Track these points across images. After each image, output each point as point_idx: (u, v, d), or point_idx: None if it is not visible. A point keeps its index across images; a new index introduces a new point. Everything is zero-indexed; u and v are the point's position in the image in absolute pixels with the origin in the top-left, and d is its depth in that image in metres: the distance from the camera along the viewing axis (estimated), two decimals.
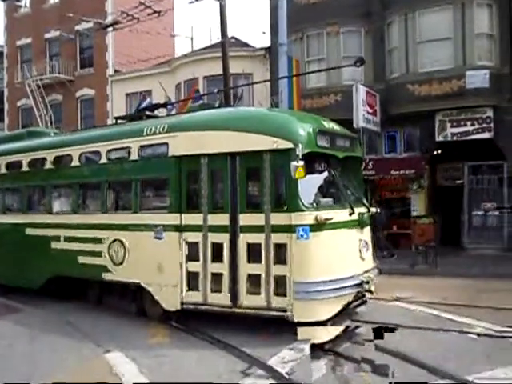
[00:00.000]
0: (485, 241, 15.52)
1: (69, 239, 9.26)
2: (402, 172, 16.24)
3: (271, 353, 6.39)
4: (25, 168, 10.45)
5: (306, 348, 6.59)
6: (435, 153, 16.32)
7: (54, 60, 24.84)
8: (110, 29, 18.22)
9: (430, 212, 15.67)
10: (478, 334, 7.12)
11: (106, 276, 8.67)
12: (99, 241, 8.71)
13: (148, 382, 5.32)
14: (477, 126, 15.12)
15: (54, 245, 9.56)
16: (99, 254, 8.69)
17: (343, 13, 16.77)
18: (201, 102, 11.76)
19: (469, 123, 15.22)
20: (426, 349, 6.45)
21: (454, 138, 15.34)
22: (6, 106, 27.18)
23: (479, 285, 10.68)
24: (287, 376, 5.68)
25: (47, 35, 25.16)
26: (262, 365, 6.04)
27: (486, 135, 14.98)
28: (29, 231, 10.14)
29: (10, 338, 7.69)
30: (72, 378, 5.79)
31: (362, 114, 14.99)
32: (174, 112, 12.81)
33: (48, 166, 9.94)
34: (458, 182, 16.62)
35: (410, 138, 17.09)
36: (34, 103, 23.83)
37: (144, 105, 12.36)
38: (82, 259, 9.01)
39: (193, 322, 7.78)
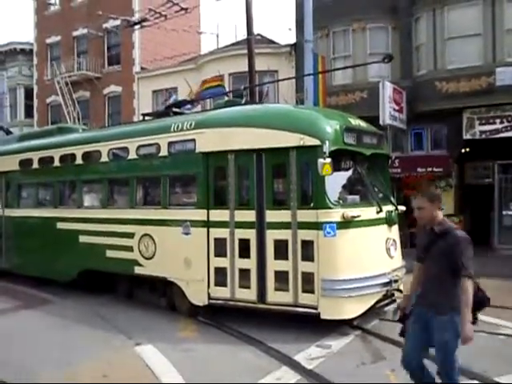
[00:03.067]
0: None
1: (98, 233, 9.44)
2: (429, 170, 16.05)
3: (298, 349, 6.43)
4: (56, 163, 10.68)
5: (334, 345, 6.62)
6: (463, 151, 16.06)
7: (81, 57, 25.24)
8: (138, 26, 18.40)
9: (458, 211, 15.45)
10: (507, 336, 7.03)
11: (137, 270, 8.80)
12: (130, 235, 8.86)
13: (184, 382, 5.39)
14: (506, 124, 14.80)
15: (84, 239, 9.77)
16: (130, 249, 8.83)
17: (370, 9, 16.61)
18: (226, 98, 11.83)
19: (498, 121, 14.91)
20: None
21: (483, 136, 15.06)
22: (36, 103, 27.70)
23: (509, 285, 10.52)
24: (313, 372, 5.70)
25: (75, 33, 25.55)
26: (288, 360, 6.07)
27: None
28: (59, 225, 10.38)
29: (43, 329, 7.89)
30: (104, 369, 5.91)
31: (389, 111, 14.82)
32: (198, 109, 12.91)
33: (78, 161, 10.14)
34: (488, 180, 16.34)
35: (436, 136, 16.84)
36: (62, 100, 24.24)
37: (170, 101, 12.52)
38: (112, 253, 9.18)
39: (221, 317, 7.87)
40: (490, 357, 6.12)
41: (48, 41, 27.03)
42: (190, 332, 7.56)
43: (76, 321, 8.23)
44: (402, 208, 8.51)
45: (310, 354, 6.28)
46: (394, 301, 7.83)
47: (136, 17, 21.21)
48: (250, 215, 7.54)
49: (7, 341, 7.24)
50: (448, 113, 15.28)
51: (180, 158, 8.48)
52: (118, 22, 22.31)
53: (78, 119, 23.73)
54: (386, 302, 7.60)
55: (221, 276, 7.70)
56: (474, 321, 4.07)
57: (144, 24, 17.48)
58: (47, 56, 27.22)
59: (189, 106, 11.97)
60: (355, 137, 7.73)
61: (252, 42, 14.10)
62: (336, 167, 7.09)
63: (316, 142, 7.07)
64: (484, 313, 8.02)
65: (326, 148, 6.84)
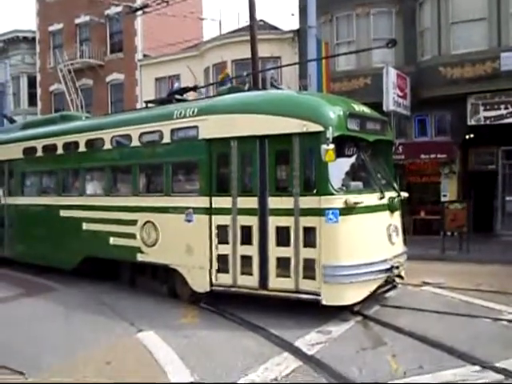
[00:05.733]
0: None
1: (101, 221, 9.48)
2: (432, 156, 16.00)
3: (299, 335, 6.45)
4: (59, 151, 10.68)
5: (334, 331, 6.65)
6: (467, 137, 15.97)
7: (84, 45, 25.18)
8: (139, 12, 18.28)
9: (461, 197, 15.43)
10: (509, 321, 7.03)
11: (139, 257, 8.84)
12: (132, 223, 8.88)
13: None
14: (511, 110, 14.70)
15: (87, 226, 9.81)
16: (132, 236, 8.87)
17: None
18: (229, 85, 11.76)
19: (502, 106, 14.81)
20: (455, 334, 6.41)
21: (487, 122, 14.97)
22: (39, 91, 27.68)
23: (511, 271, 10.50)
24: (314, 357, 5.73)
25: (78, 20, 25.45)
26: (289, 346, 6.10)
27: None
28: (63, 213, 10.42)
29: (46, 316, 7.95)
30: (106, 356, 5.95)
31: (392, 97, 14.73)
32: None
33: (81, 149, 10.14)
34: (491, 167, 16.28)
35: (440, 122, 16.76)
36: (65, 88, 24.22)
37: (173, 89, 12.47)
38: (114, 241, 9.22)
39: (222, 304, 7.91)
40: (492, 342, 6.14)
41: (50, 28, 26.92)
42: (192, 318, 7.60)
43: (79, 308, 8.28)
44: (404, 194, 8.49)
45: (311, 340, 6.31)
46: (395, 287, 7.87)
47: (138, 3, 21.07)
48: (252, 202, 7.54)
49: (10, 328, 7.29)
50: (452, 99, 15.18)
51: (183, 145, 8.46)
52: (119, 9, 22.17)
53: (81, 107, 23.75)
54: (388, 287, 7.63)
55: (223, 263, 7.73)
56: None
57: (146, 10, 17.34)
58: (50, 44, 27.13)
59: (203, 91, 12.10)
60: (359, 123, 7.67)
61: (255, 28, 13.99)
62: (339, 153, 7.05)
63: (319, 128, 7.03)
64: (486, 298, 8.17)
65: (330, 134, 6.78)
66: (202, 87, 12.29)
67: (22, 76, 28.45)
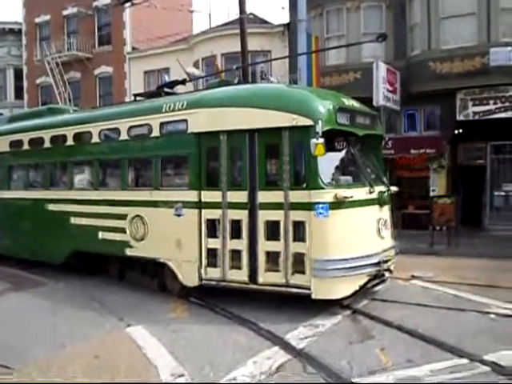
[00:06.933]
0: (506, 222, 15.35)
1: (90, 215, 9.40)
2: (421, 151, 16.05)
3: (288, 329, 6.46)
4: (46, 144, 10.55)
5: (324, 325, 6.66)
6: (456, 132, 16.06)
7: (72, 37, 24.83)
8: (128, 4, 18.10)
9: (450, 192, 15.53)
10: (497, 314, 7.09)
11: (128, 252, 8.79)
12: (121, 217, 8.82)
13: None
14: (499, 105, 14.79)
15: (75, 221, 9.73)
16: (121, 230, 8.80)
17: None
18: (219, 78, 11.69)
19: (491, 102, 14.89)
20: (443, 328, 6.45)
21: (476, 117, 15.05)
22: (26, 84, 27.28)
23: (499, 265, 10.59)
24: (303, 351, 5.73)
25: (65, 12, 25.09)
26: (279, 340, 6.11)
27: (509, 114, 14.63)
28: (50, 207, 10.32)
29: (34, 311, 7.88)
30: (95, 350, 5.91)
31: (382, 92, 14.75)
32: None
33: (68, 142, 10.03)
34: (480, 161, 16.39)
35: (430, 117, 16.84)
36: (53, 81, 23.92)
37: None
38: (103, 235, 9.15)
39: (212, 298, 7.89)
40: (480, 335, 6.19)
41: (37, 20, 26.52)
42: (182, 313, 7.58)
43: (68, 303, 8.23)
44: (394, 189, 8.52)
45: (300, 334, 6.33)
46: (384, 281, 7.90)
47: None
48: (242, 196, 7.52)
49: None
50: (441, 93, 15.24)
51: (172, 138, 8.40)
52: (108, 0, 21.92)
53: (69, 100, 23.47)
54: (377, 281, 7.65)
55: (212, 257, 7.71)
56: None
57: (134, 2, 17.19)
58: (36, 36, 26.72)
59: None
60: (348, 117, 7.67)
61: (244, 22, 13.92)
62: (329, 147, 7.05)
63: (309, 122, 7.01)
64: (474, 292, 8.23)
65: (319, 128, 6.77)
66: (191, 81, 12.20)
67: (8, 68, 28.02)
